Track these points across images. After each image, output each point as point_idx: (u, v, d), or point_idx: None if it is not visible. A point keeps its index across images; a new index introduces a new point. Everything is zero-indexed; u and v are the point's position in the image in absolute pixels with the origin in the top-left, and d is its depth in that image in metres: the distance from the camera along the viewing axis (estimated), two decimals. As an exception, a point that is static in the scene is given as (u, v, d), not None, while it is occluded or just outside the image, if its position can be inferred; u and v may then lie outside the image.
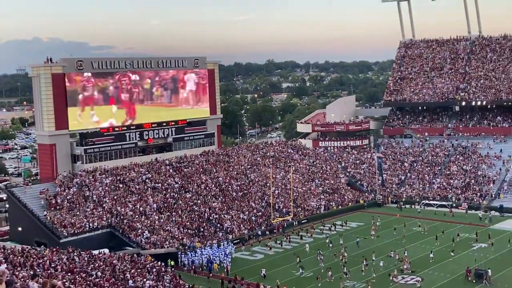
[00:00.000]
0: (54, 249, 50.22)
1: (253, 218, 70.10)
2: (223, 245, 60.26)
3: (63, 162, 71.35)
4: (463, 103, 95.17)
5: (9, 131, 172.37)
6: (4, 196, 77.40)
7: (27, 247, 49.79)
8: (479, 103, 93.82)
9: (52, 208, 63.07)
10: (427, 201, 79.00)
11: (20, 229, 63.32)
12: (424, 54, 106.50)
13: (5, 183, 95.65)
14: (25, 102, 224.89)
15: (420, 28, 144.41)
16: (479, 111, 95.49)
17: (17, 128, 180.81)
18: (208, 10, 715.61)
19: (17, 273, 35.60)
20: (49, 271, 39.37)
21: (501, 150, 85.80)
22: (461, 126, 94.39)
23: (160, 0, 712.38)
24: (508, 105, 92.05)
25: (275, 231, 68.10)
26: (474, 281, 49.29)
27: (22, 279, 29.64)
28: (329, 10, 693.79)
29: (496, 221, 69.76)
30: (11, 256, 43.47)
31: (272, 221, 69.07)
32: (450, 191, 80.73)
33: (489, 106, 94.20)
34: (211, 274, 54.31)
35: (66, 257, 46.11)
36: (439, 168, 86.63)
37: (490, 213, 72.17)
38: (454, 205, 76.39)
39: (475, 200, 77.49)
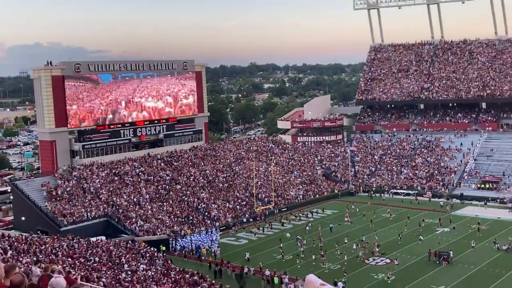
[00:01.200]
0: (55, 236, 50.05)
1: (237, 207, 70.21)
2: (211, 231, 60.37)
3: (62, 157, 71.04)
4: (428, 101, 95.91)
5: (12, 129, 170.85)
6: (8, 188, 76.88)
7: (30, 235, 49.55)
8: (441, 101, 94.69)
9: (53, 199, 62.81)
10: (395, 190, 79.62)
11: (23, 218, 62.97)
12: (392, 57, 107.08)
13: (9, 176, 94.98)
14: (27, 102, 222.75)
15: (388, 34, 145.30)
16: (441, 109, 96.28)
17: (20, 126, 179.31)
18: (197, 18, 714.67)
19: (21, 259, 35.43)
20: (50, 257, 39.24)
21: (461, 144, 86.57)
22: (425, 122, 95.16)
23: (152, 8, 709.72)
24: (468, 103, 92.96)
25: (258, 218, 68.20)
26: (437, 262, 49.80)
27: (26, 265, 29.53)
28: (306, 17, 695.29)
29: (457, 207, 70.45)
30: (15, 243, 43.25)
31: (255, 210, 69.27)
32: (416, 181, 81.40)
33: (450, 104, 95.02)
34: (202, 258, 54.41)
35: (66, 244, 45.97)
36: (406, 160, 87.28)
37: (452, 200, 72.89)
38: (416, 194, 77.08)
39: (438, 189, 78.21)
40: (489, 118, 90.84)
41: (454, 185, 78.76)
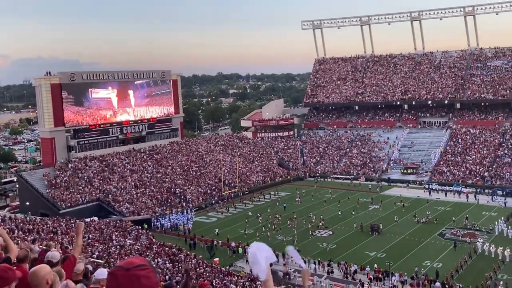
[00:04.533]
0: (55, 218, 49.06)
1: (208, 191, 69.92)
2: (186, 212, 60.00)
3: (60, 151, 69.57)
4: (361, 104, 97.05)
5: (18, 128, 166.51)
6: (14, 178, 75.05)
7: (33, 217, 48.44)
8: (372, 103, 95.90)
9: (53, 187, 61.49)
10: (335, 175, 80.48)
11: (28, 203, 61.46)
12: (332, 68, 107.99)
13: (15, 168, 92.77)
14: (30, 106, 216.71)
15: (329, 49, 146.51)
16: (372, 109, 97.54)
17: (24, 126, 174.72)
18: (173, 35, 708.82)
19: (26, 237, 34.57)
20: (51, 235, 38.45)
21: (388, 138, 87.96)
22: (359, 121, 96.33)
23: (136, 26, 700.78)
24: (393, 104, 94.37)
25: (225, 200, 68.11)
26: (369, 233, 50.61)
27: (30, 242, 28.73)
28: (264, 35, 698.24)
29: (385, 189, 71.50)
30: (21, 224, 42.24)
31: (223, 193, 69.11)
32: (352, 167, 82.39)
33: (379, 106, 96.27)
34: (179, 233, 54.04)
35: (64, 224, 45.10)
36: (344, 151, 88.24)
37: (381, 183, 74.03)
38: (352, 178, 78.12)
39: (370, 174, 79.38)
40: (410, 117, 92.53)
41: (383, 170, 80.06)
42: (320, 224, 53.73)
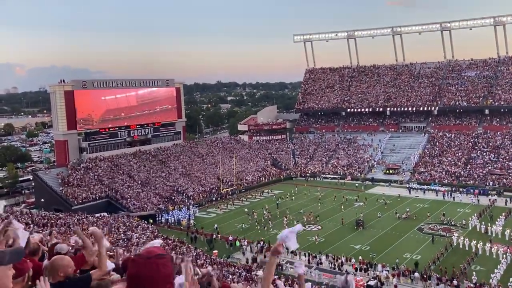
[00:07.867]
0: (68, 213, 48.79)
1: (208, 189, 69.74)
2: (188, 208, 59.78)
3: (73, 152, 69.33)
4: (348, 110, 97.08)
5: (34, 131, 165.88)
6: (31, 177, 74.69)
7: (48, 212, 48.16)
8: (357, 110, 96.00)
9: (66, 185, 61.20)
10: (324, 175, 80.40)
11: (43, 200, 61.13)
12: (321, 77, 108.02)
13: (31, 168, 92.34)
14: (45, 111, 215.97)
15: (319, 60, 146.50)
16: (357, 115, 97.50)
17: (39, 129, 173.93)
18: (177, 46, 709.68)
19: (41, 231, 34.33)
20: (63, 228, 38.19)
21: (372, 141, 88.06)
22: (346, 125, 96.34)
23: (142, 38, 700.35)
24: (376, 111, 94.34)
25: (223, 197, 67.87)
26: (355, 227, 50.53)
27: (47, 235, 28.51)
28: (259, 48, 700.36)
29: (369, 187, 71.52)
30: (36, 219, 41.96)
31: (221, 191, 68.92)
32: (339, 168, 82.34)
33: (363, 112, 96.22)
34: (182, 227, 53.84)
35: (76, 219, 44.87)
36: (332, 153, 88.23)
37: (365, 182, 74.06)
38: (339, 177, 78.00)
39: (355, 174, 79.33)
40: (392, 122, 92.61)
41: (367, 171, 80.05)
42: (305, 219, 52.83)
